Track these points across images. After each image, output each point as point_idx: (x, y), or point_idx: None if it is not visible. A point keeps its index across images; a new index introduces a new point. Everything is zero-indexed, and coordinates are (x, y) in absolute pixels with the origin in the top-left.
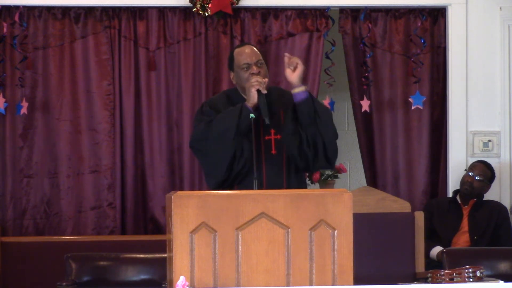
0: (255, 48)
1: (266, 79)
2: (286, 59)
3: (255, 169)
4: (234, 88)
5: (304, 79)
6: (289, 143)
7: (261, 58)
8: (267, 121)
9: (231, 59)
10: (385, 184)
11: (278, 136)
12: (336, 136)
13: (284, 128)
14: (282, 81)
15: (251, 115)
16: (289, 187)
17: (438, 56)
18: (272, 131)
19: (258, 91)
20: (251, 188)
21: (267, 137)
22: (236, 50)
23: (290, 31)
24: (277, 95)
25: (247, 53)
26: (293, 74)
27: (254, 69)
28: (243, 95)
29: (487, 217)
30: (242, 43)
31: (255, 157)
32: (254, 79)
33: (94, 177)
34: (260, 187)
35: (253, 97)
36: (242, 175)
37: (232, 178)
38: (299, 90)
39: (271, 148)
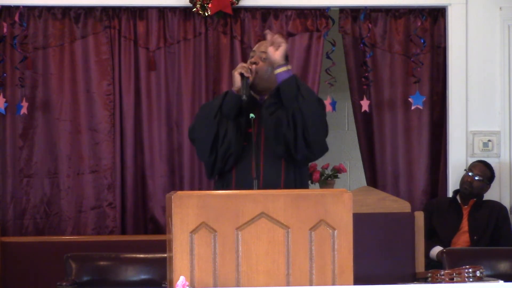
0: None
1: (254, 66)
2: (268, 37)
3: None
4: None
5: (304, 79)
6: (266, 125)
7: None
8: (243, 98)
9: None
10: (385, 184)
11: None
12: (323, 125)
13: (264, 109)
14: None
15: (251, 115)
16: (287, 179)
17: (438, 56)
18: (265, 104)
19: (241, 74)
20: (249, 174)
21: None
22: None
23: (290, 31)
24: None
25: (263, 43)
26: (276, 53)
27: (254, 57)
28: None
29: (487, 217)
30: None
31: (254, 152)
32: (241, 64)
33: (94, 177)
34: (258, 178)
35: (236, 81)
36: (231, 157)
37: (220, 161)
38: (282, 70)
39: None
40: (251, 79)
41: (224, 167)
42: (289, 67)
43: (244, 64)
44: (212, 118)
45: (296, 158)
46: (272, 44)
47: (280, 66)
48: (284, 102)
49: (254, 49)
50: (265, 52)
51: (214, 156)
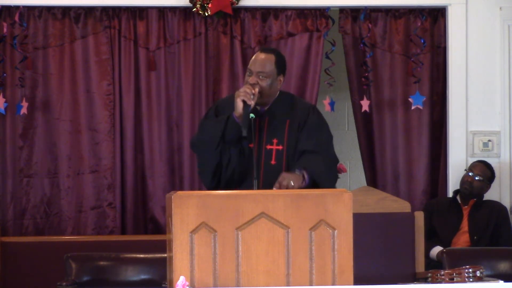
0: (273, 58)
1: (257, 89)
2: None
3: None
4: None
5: (304, 79)
6: (292, 155)
7: (268, 71)
8: (244, 133)
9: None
10: (385, 184)
11: (280, 147)
12: (335, 177)
13: (288, 140)
14: (283, 81)
15: (251, 115)
16: None
17: (438, 56)
18: (275, 140)
19: (243, 101)
20: (251, 188)
21: (268, 146)
22: (257, 53)
23: (290, 31)
24: (286, 103)
25: (257, 60)
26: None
27: (252, 79)
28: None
29: (487, 217)
30: (268, 48)
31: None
32: (243, 89)
33: (94, 177)
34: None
35: (238, 107)
36: (234, 182)
37: (223, 186)
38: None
39: (271, 158)
40: (253, 104)
41: (229, 188)
42: (304, 175)
43: (248, 90)
44: (213, 149)
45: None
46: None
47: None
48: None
49: (250, 68)
50: (262, 72)
51: (216, 181)
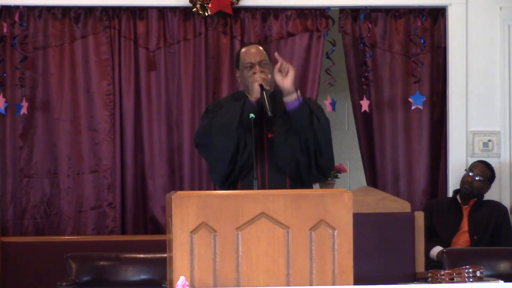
0: (261, 48)
1: (269, 75)
2: (278, 65)
3: (257, 167)
4: (241, 91)
5: (304, 79)
6: (279, 151)
7: (266, 58)
8: (270, 114)
9: (238, 58)
10: (385, 184)
11: (271, 133)
12: (332, 149)
13: (277, 136)
14: None
15: (251, 115)
16: (292, 186)
17: (438, 56)
18: (275, 129)
19: (261, 86)
20: (253, 183)
21: (270, 135)
22: (243, 50)
23: (290, 31)
24: (280, 98)
25: (252, 53)
26: (285, 79)
27: (257, 68)
28: (248, 96)
29: (487, 217)
30: (249, 43)
31: (258, 155)
32: (258, 74)
33: (94, 177)
34: (263, 185)
35: (256, 91)
36: (246, 169)
37: (237, 172)
38: (292, 98)
39: (274, 146)
40: (269, 89)
41: (238, 176)
42: (299, 93)
43: (263, 76)
44: (234, 129)
45: (305, 179)
46: (280, 70)
47: (290, 93)
48: (297, 129)
49: (247, 61)
50: (263, 61)
51: (231, 167)
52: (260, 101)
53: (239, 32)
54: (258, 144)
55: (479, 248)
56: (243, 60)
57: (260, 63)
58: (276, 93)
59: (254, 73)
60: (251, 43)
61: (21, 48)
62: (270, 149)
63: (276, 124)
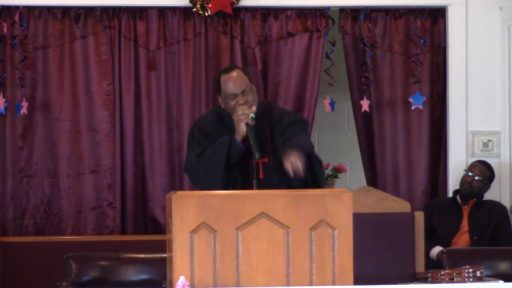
0: (241, 73)
1: (254, 108)
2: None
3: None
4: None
5: (304, 79)
6: (272, 179)
7: (247, 84)
8: (257, 157)
9: (218, 83)
10: (385, 184)
11: (266, 159)
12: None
13: (274, 149)
14: (283, 81)
15: (251, 115)
16: None
17: (438, 56)
18: (270, 155)
19: (247, 123)
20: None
21: (253, 161)
22: (223, 77)
23: (290, 31)
24: (265, 112)
25: (233, 82)
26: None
27: (240, 99)
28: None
29: (487, 217)
30: (229, 67)
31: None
32: (241, 111)
33: (94, 177)
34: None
35: (242, 131)
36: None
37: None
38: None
39: (259, 172)
40: (253, 123)
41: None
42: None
43: (247, 111)
44: (221, 176)
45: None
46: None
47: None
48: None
49: (229, 92)
50: (245, 89)
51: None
52: (247, 138)
53: (239, 32)
54: (250, 171)
55: (479, 248)
56: (224, 89)
57: (243, 93)
58: (259, 106)
59: (239, 104)
60: (230, 68)
61: (21, 48)
62: (256, 176)
63: (273, 137)
